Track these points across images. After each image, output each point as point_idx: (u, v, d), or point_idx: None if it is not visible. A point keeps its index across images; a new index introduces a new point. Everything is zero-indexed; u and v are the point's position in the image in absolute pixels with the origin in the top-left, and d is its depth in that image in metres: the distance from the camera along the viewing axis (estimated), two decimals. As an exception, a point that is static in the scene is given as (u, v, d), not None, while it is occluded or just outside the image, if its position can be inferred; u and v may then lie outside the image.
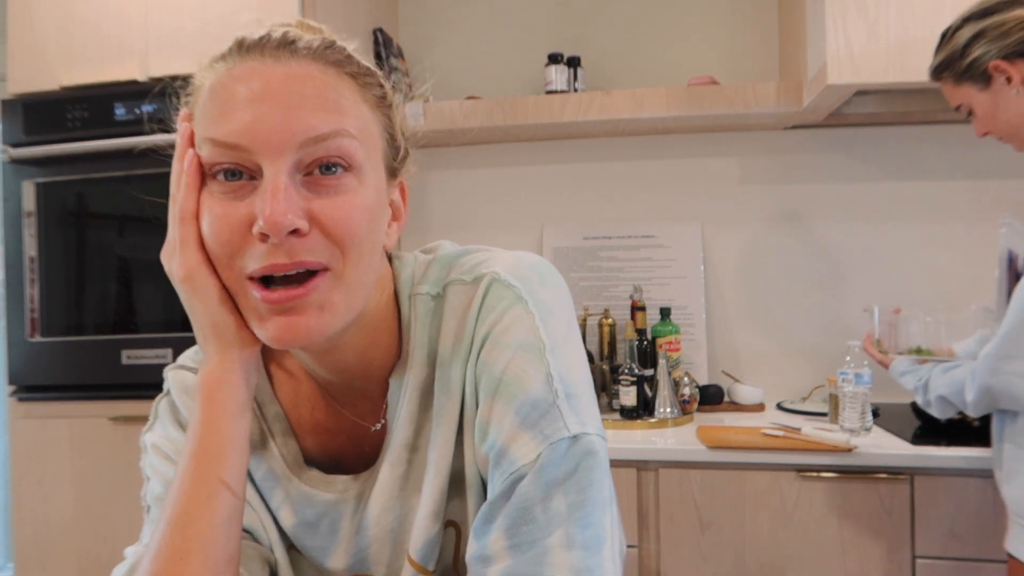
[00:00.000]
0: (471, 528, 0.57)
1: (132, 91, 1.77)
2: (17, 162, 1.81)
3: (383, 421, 0.66)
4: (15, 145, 1.81)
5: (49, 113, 1.80)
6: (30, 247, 1.82)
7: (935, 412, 1.38)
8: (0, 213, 1.85)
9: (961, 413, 1.37)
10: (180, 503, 0.56)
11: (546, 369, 0.57)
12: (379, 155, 0.59)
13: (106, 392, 1.78)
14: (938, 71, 1.27)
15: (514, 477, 0.54)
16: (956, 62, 1.22)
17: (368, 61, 0.60)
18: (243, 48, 0.55)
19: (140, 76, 1.77)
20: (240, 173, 0.53)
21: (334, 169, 0.54)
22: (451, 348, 0.62)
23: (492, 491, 0.56)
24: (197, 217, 0.56)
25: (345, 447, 0.68)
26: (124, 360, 1.77)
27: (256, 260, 0.53)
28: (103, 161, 1.76)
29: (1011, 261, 1.35)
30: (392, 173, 0.61)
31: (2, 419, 2.28)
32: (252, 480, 0.67)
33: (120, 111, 1.77)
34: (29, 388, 1.84)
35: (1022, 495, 1.21)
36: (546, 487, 0.53)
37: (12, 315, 1.84)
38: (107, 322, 1.79)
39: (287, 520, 0.67)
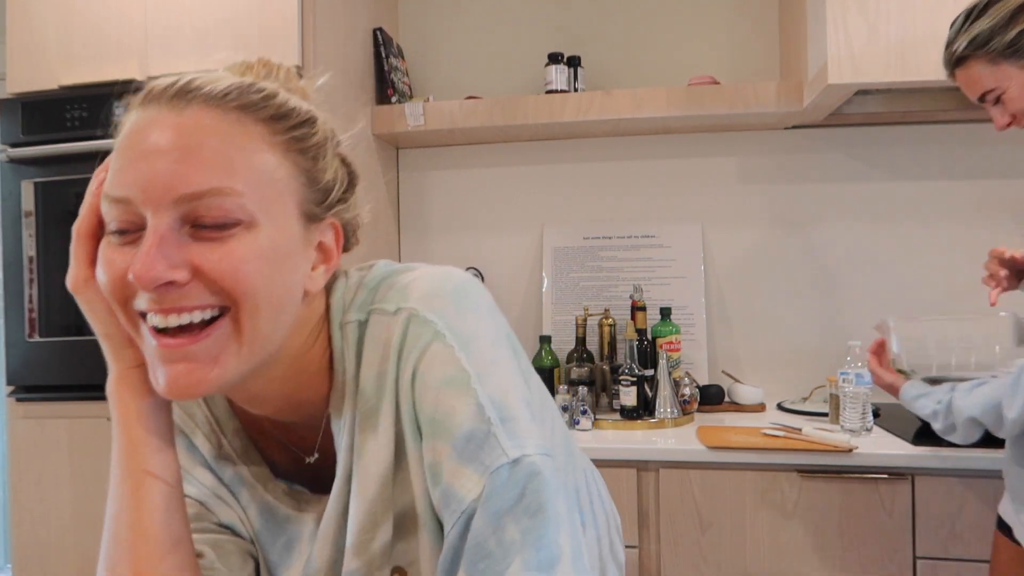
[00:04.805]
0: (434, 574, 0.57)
1: (131, 91, 1.76)
2: (16, 162, 1.81)
3: (317, 454, 0.66)
4: (14, 145, 1.80)
5: (48, 112, 1.80)
6: (29, 247, 1.81)
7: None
8: (-1, 213, 1.85)
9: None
10: (114, 499, 0.59)
11: (475, 399, 0.55)
12: (289, 202, 0.56)
13: (105, 392, 1.77)
14: (969, 49, 1.15)
15: (465, 516, 0.54)
16: (997, 36, 1.12)
17: (303, 99, 0.59)
18: (148, 97, 0.57)
19: (140, 76, 1.77)
20: (128, 232, 0.54)
21: (221, 222, 0.53)
22: (374, 383, 0.60)
23: (447, 534, 0.55)
24: (93, 237, 0.58)
25: (301, 472, 0.68)
26: (123, 360, 1.76)
27: (142, 303, 0.54)
28: (102, 161, 1.75)
29: None
30: (312, 217, 0.59)
31: (1, 419, 2.28)
32: (222, 480, 0.68)
33: (119, 111, 1.76)
34: (28, 388, 1.84)
35: None
36: (496, 517, 0.53)
37: (11, 315, 1.83)
38: (106, 322, 1.78)
39: (254, 521, 0.68)
